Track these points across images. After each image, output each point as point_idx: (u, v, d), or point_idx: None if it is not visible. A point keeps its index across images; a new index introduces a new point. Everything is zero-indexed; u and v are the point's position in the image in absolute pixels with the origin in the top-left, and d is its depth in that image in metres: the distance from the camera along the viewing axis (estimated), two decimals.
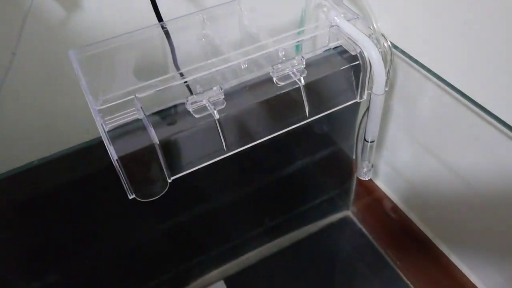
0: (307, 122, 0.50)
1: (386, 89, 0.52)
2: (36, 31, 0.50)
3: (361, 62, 0.49)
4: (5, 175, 0.45)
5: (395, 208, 0.73)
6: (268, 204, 0.76)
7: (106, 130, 0.41)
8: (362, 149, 0.60)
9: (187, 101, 0.44)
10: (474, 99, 0.47)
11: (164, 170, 0.44)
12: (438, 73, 0.51)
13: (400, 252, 0.76)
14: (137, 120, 0.42)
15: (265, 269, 0.78)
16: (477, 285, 0.63)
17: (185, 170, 0.45)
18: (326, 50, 0.52)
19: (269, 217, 0.77)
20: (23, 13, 0.47)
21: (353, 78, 0.51)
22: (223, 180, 0.66)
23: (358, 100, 0.52)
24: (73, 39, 0.52)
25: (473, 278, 0.64)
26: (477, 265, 0.63)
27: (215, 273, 0.77)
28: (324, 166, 0.76)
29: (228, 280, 0.76)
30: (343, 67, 0.50)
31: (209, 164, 0.47)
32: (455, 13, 0.45)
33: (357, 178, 0.76)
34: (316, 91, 0.49)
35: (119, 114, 0.42)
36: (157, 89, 0.44)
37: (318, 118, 0.55)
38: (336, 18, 0.52)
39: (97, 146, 0.43)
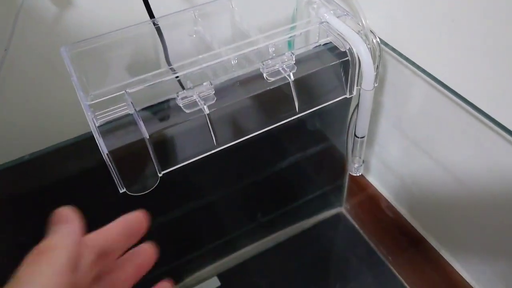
0: (298, 118, 0.51)
1: (375, 85, 0.52)
2: (28, 28, 0.50)
3: (350, 58, 0.50)
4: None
5: (387, 204, 0.74)
6: (262, 200, 0.77)
7: (96, 125, 0.41)
8: (353, 145, 0.61)
9: (178, 96, 0.44)
10: (462, 95, 0.48)
11: (155, 164, 0.44)
12: (426, 69, 0.51)
13: (392, 248, 0.77)
14: (128, 115, 0.43)
15: (258, 265, 0.78)
16: (467, 280, 0.64)
17: (176, 165, 0.45)
18: (316, 46, 0.52)
19: (262, 213, 0.77)
20: (15, 10, 0.48)
21: (342, 74, 0.51)
22: (216, 176, 0.67)
23: (347, 95, 0.52)
24: (65, 36, 0.52)
25: (463, 273, 0.64)
26: (467, 260, 0.63)
27: (209, 268, 0.77)
28: (316, 163, 0.77)
29: (221, 275, 0.77)
30: (333, 63, 0.50)
31: (201, 159, 0.47)
32: (443, 10, 0.46)
33: (350, 174, 0.77)
34: (306, 86, 0.50)
35: (109, 109, 0.42)
36: (148, 84, 0.44)
37: (310, 114, 0.55)
38: (326, 14, 0.52)
39: (88, 141, 0.43)
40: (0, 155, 0.47)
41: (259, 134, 0.50)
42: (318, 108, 0.52)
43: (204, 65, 0.47)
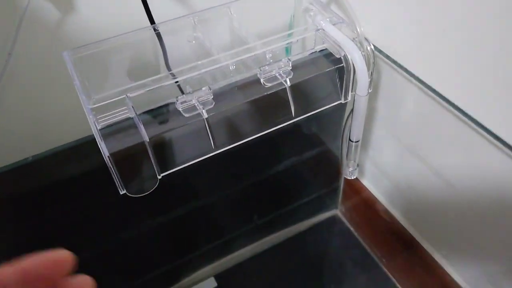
0: (295, 123, 0.52)
1: (369, 91, 0.54)
2: (32, 33, 0.51)
3: (345, 65, 0.51)
4: (0, 171, 0.47)
5: (381, 208, 0.75)
6: (259, 202, 0.78)
7: (98, 128, 0.43)
8: (348, 149, 0.62)
9: (177, 100, 0.46)
10: (452, 101, 0.49)
11: (154, 167, 0.45)
12: (418, 76, 0.53)
13: (386, 251, 0.78)
14: (129, 118, 0.44)
15: (255, 266, 0.80)
16: (458, 282, 0.65)
17: (175, 167, 0.47)
18: (312, 52, 0.54)
19: (259, 215, 0.78)
20: (20, 15, 0.49)
21: (337, 80, 0.53)
22: (214, 178, 0.68)
23: (342, 101, 0.54)
24: (68, 41, 0.54)
25: (455, 275, 0.66)
26: (459, 262, 0.65)
27: (206, 269, 0.79)
28: (312, 166, 0.78)
29: (218, 276, 0.78)
30: (328, 69, 0.52)
31: (199, 162, 0.49)
32: (435, 21, 0.47)
33: (345, 178, 0.78)
34: (302, 92, 0.51)
35: (111, 112, 0.43)
36: (148, 88, 0.46)
37: (306, 118, 0.57)
38: (322, 22, 0.54)
39: (89, 143, 0.44)
40: (4, 157, 0.48)
41: (256, 137, 0.51)
42: (314, 113, 0.53)
43: (203, 70, 0.48)
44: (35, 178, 0.50)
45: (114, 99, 0.44)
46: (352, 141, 0.60)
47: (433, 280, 0.69)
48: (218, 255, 0.80)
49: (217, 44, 0.56)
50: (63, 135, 0.51)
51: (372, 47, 0.53)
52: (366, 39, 0.53)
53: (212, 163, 0.55)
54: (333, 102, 0.54)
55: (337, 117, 0.66)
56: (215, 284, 0.77)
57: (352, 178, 0.66)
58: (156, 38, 0.55)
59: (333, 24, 0.53)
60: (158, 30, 0.55)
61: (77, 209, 0.55)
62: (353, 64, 0.51)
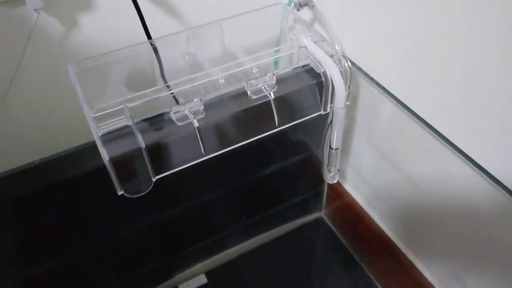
0: (280, 130, 0.57)
1: (347, 103, 0.59)
2: (39, 46, 0.56)
3: (324, 80, 0.56)
4: (9, 172, 0.52)
5: (361, 211, 0.80)
6: (248, 204, 0.83)
7: (99, 134, 0.48)
8: (329, 156, 0.67)
9: (171, 110, 0.51)
10: (421, 116, 0.55)
11: (149, 170, 0.50)
12: (390, 90, 0.58)
13: (365, 251, 0.83)
14: (127, 126, 0.49)
15: (243, 264, 0.84)
16: (429, 280, 0.70)
17: (168, 171, 0.52)
18: (295, 67, 0.59)
19: (248, 215, 0.83)
20: (29, 31, 0.54)
21: (317, 93, 0.58)
22: (205, 181, 0.73)
23: (322, 112, 0.59)
24: (72, 53, 0.58)
25: (426, 273, 0.71)
26: (430, 261, 0.70)
27: (197, 267, 0.83)
28: (298, 171, 0.83)
29: (209, 273, 0.83)
30: (309, 83, 0.57)
31: (191, 166, 0.54)
32: (406, 42, 0.53)
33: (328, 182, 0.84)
34: (285, 104, 0.56)
35: (110, 121, 0.48)
36: (145, 99, 0.51)
37: (291, 126, 0.62)
38: (304, 40, 0.59)
39: (90, 148, 0.49)
40: (13, 160, 0.53)
41: (243, 144, 0.56)
42: (296, 123, 0.58)
43: (196, 83, 0.53)
44: (42, 179, 0.55)
45: (113, 109, 0.49)
46: (332, 149, 0.65)
47: (406, 278, 0.74)
48: (209, 254, 0.84)
49: (209, 57, 0.61)
50: (66, 141, 0.56)
51: (350, 64, 0.58)
52: (344, 56, 0.58)
53: (203, 167, 0.60)
54: (313, 113, 0.59)
55: (320, 125, 0.71)
56: (206, 280, 0.82)
57: (333, 182, 0.72)
58: (153, 52, 0.60)
59: (315, 42, 0.59)
60: (154, 45, 0.60)
61: (77, 207, 0.60)
62: (331, 79, 0.56)
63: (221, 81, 0.55)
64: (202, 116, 0.51)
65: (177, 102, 0.57)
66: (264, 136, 0.58)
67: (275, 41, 0.68)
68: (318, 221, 0.91)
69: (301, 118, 0.58)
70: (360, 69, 0.62)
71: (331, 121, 0.62)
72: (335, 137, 0.63)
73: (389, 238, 0.76)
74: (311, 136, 0.76)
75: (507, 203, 0.48)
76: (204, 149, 0.53)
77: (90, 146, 0.52)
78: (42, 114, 0.60)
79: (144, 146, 0.48)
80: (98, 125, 0.48)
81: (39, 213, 0.57)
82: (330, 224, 0.90)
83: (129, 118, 0.49)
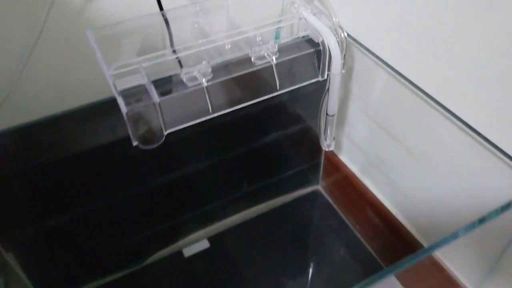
0: (280, 101, 0.62)
1: (343, 71, 0.64)
2: (60, 14, 0.61)
3: (322, 48, 0.61)
4: (36, 121, 0.57)
5: (356, 181, 0.85)
6: (249, 172, 0.88)
7: (118, 90, 0.52)
8: (326, 123, 0.72)
9: (182, 71, 0.56)
10: (414, 82, 0.59)
11: (162, 124, 0.55)
12: (384, 59, 0.63)
13: (359, 218, 0.88)
14: (142, 84, 0.54)
15: (243, 231, 0.89)
16: (421, 242, 0.75)
17: (178, 126, 0.57)
18: (296, 38, 0.64)
19: (248, 183, 0.88)
20: (49, 2, 0.58)
21: (316, 61, 0.63)
22: (208, 148, 0.78)
23: (320, 78, 0.64)
24: (90, 22, 0.63)
25: (417, 236, 0.76)
26: (422, 225, 0.75)
27: (200, 232, 0.88)
28: (296, 143, 0.88)
29: (211, 238, 0.88)
30: (308, 52, 0.62)
31: (195, 130, 0.58)
32: (401, 12, 0.58)
33: (325, 155, 0.89)
34: (285, 69, 0.61)
35: (127, 78, 0.53)
36: (158, 61, 0.56)
37: (290, 97, 0.67)
38: (304, 12, 0.64)
39: (108, 103, 0.54)
40: (39, 111, 0.58)
41: (245, 111, 0.61)
42: (296, 88, 0.63)
43: (203, 48, 0.58)
44: (63, 129, 0.60)
45: (130, 68, 0.54)
46: (329, 115, 0.70)
47: (398, 241, 0.79)
48: (211, 221, 0.89)
49: (216, 29, 0.66)
50: (85, 96, 0.61)
51: (346, 34, 0.63)
52: (340, 27, 0.63)
53: (206, 132, 0.65)
54: (312, 79, 0.64)
55: (317, 97, 0.76)
56: (208, 245, 0.87)
57: (329, 150, 0.76)
58: (164, 22, 0.65)
59: (314, 15, 0.64)
60: (165, 16, 0.65)
61: (92, 159, 0.65)
62: (328, 48, 0.61)
63: (227, 47, 0.60)
64: (210, 77, 0.56)
65: (181, 66, 0.62)
66: (265, 104, 0.63)
67: (278, 15, 0.73)
68: (315, 193, 0.96)
69: (300, 83, 0.63)
70: (355, 40, 0.67)
71: (328, 89, 0.67)
72: (331, 103, 0.68)
73: (382, 204, 0.80)
74: (307, 107, 0.81)
75: (499, 164, 0.52)
76: (211, 107, 0.58)
77: (107, 101, 0.57)
78: (62, 74, 0.64)
79: (158, 102, 0.53)
80: (116, 81, 0.53)
81: (58, 163, 0.62)
82: (327, 196, 0.95)
83: (144, 76, 0.54)
